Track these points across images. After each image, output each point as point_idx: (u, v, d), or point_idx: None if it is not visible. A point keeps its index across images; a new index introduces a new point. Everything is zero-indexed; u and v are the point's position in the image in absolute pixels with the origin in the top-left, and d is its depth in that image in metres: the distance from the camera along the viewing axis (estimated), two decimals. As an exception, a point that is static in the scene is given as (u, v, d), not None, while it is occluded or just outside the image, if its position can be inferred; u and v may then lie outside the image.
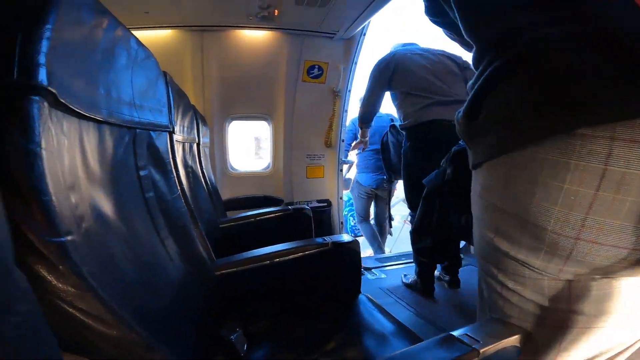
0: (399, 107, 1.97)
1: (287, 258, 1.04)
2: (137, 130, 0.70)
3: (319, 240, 1.08)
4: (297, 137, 2.79)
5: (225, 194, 2.64)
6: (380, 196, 3.19)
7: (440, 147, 1.60)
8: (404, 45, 2.08)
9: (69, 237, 0.37)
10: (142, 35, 2.19)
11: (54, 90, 0.36)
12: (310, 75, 2.60)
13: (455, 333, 0.52)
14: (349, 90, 2.75)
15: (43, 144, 0.35)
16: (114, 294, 0.41)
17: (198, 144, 1.60)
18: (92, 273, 0.38)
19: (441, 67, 1.86)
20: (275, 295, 1.08)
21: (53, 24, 0.36)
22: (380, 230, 3.26)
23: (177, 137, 1.09)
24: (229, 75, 2.46)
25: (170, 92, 0.96)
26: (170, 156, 0.93)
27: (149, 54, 0.75)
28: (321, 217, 2.83)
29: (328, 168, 2.93)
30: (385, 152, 2.67)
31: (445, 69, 1.86)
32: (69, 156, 0.42)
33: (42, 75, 0.34)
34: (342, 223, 3.07)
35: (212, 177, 2.03)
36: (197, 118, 1.58)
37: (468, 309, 1.78)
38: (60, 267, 0.35)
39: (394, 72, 1.89)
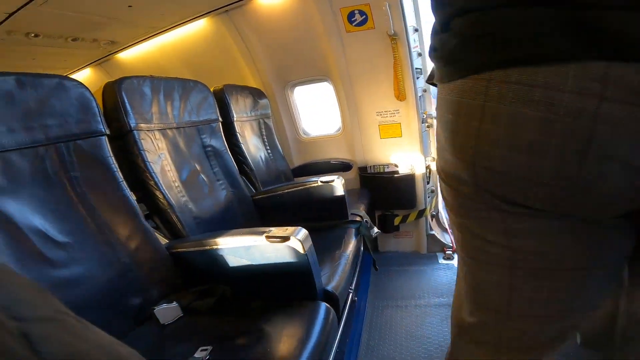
0: None
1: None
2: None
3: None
4: (360, 94, 2.40)
5: (299, 160, 2.78)
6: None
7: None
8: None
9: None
10: (184, 31, 2.41)
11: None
12: (353, 23, 2.06)
13: None
14: (415, 29, 1.97)
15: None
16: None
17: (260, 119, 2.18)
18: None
19: None
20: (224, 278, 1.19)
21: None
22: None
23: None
24: (271, 44, 2.34)
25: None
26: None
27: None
28: (399, 186, 2.47)
29: (407, 125, 2.38)
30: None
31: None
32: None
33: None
34: (432, 192, 2.55)
35: (276, 145, 2.32)
36: (254, 98, 2.22)
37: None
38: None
39: None
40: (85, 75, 2.92)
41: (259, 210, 1.89)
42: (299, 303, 1.06)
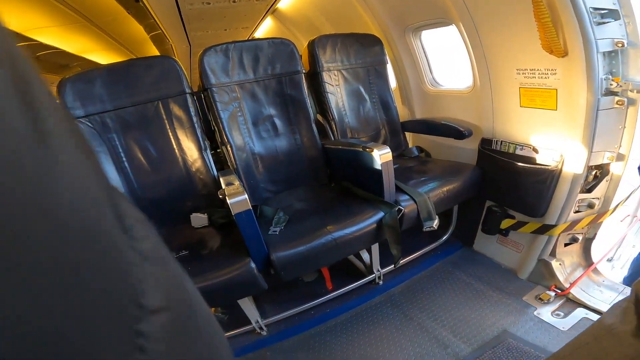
0: None
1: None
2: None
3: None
4: (491, 41, 1.66)
5: (422, 113, 2.40)
6: None
7: None
8: None
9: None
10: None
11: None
12: None
13: None
14: None
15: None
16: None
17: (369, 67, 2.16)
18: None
19: None
20: None
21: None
22: None
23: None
24: None
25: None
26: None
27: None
28: (528, 180, 1.70)
29: (568, 94, 1.49)
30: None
31: None
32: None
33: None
34: (589, 207, 1.59)
35: (386, 94, 2.20)
36: (362, 45, 2.14)
37: None
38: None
39: None
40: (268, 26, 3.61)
41: (324, 157, 1.97)
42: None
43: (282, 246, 1.38)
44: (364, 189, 1.68)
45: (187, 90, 1.71)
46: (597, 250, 1.76)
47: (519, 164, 1.69)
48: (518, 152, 1.74)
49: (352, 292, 1.87)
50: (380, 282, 1.91)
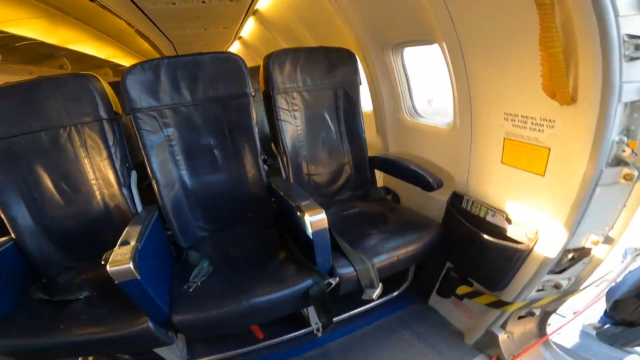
0: None
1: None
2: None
3: None
4: (477, 72, 1.33)
5: (396, 146, 2.07)
6: None
7: None
8: None
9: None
10: None
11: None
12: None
13: None
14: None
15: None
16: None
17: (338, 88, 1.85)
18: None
19: None
20: None
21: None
22: None
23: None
24: None
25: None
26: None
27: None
28: (494, 254, 1.35)
29: (562, 157, 1.14)
30: None
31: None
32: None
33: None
34: (556, 288, 1.28)
35: (356, 122, 1.87)
36: (330, 62, 1.81)
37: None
38: None
39: None
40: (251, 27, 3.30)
41: (270, 195, 1.71)
42: None
43: (188, 309, 1.21)
44: (300, 247, 1.41)
45: (104, 116, 1.45)
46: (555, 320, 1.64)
47: (486, 236, 1.39)
48: (489, 218, 1.42)
49: (288, 341, 1.68)
50: (319, 334, 1.69)
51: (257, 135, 1.66)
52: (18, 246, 1.39)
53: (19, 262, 1.39)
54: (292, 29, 2.65)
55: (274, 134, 1.78)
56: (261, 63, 1.76)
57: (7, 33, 3.20)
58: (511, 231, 1.32)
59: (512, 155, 1.29)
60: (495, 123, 1.31)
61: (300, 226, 1.30)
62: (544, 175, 1.18)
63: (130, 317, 1.16)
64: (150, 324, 1.15)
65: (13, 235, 1.39)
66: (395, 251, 1.42)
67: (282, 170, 1.75)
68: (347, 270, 1.33)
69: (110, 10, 2.47)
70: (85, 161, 1.47)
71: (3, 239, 1.37)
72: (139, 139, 1.50)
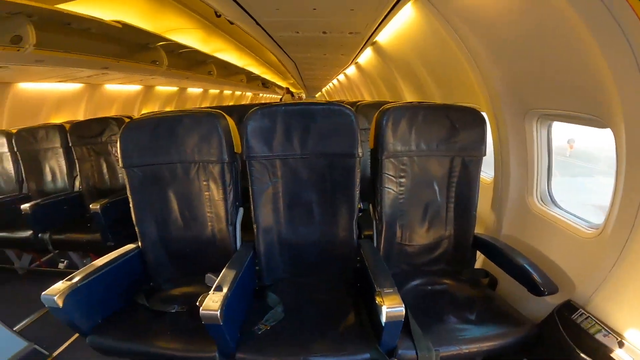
0: None
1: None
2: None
3: None
4: None
5: (512, 231, 1.75)
6: None
7: None
8: None
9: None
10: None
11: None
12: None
13: None
14: None
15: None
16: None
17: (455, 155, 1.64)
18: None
19: None
20: None
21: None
22: None
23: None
24: (495, 41, 1.33)
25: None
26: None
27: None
28: None
29: None
30: None
31: None
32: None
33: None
34: None
35: (471, 196, 1.63)
36: (451, 122, 1.60)
37: None
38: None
39: None
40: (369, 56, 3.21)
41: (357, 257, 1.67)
42: None
43: (252, 350, 1.29)
44: (371, 316, 1.35)
45: (225, 160, 1.62)
46: None
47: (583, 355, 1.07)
48: (598, 336, 1.10)
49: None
50: None
51: (357, 198, 1.62)
52: (142, 254, 1.69)
53: (137, 268, 1.68)
54: (412, 66, 2.47)
55: (374, 196, 1.70)
56: (374, 119, 1.67)
57: (174, 41, 3.91)
58: (617, 356, 1.00)
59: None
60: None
61: (375, 304, 1.22)
62: None
63: (203, 344, 1.29)
64: (217, 355, 1.27)
65: (140, 245, 1.68)
66: (468, 344, 1.25)
67: (375, 236, 1.66)
68: (408, 353, 1.23)
69: (246, 31, 2.76)
70: (206, 195, 1.67)
71: (132, 245, 1.67)
72: (249, 184, 1.63)
